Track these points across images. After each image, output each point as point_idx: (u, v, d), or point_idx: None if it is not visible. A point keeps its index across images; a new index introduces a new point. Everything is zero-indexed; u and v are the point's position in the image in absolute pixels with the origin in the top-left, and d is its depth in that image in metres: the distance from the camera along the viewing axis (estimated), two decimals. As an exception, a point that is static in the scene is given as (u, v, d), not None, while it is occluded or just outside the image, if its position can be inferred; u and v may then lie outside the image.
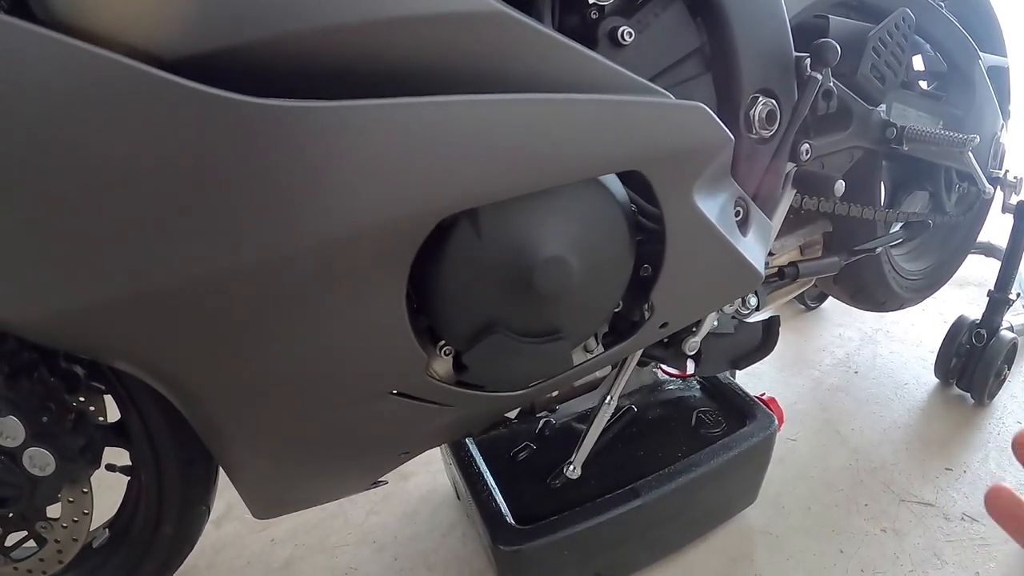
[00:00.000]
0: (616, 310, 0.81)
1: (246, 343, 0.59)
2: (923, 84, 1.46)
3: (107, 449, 0.87)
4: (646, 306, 0.78)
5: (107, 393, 0.87)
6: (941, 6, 1.22)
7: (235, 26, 0.49)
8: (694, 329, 0.93)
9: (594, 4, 0.73)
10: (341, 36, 0.51)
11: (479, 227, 0.63)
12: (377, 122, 0.52)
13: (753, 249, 0.83)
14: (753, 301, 0.98)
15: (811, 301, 1.92)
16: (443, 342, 0.71)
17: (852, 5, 1.10)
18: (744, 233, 0.82)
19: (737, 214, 0.82)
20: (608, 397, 0.97)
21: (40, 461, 0.77)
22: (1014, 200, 1.45)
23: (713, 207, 0.75)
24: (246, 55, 0.49)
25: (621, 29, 0.73)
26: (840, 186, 0.89)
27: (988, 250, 1.89)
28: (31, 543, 0.87)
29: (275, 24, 0.49)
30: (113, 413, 0.87)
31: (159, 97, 0.47)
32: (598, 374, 1.02)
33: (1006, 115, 1.45)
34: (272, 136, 0.50)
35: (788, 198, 0.94)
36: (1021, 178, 1.44)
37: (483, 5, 0.55)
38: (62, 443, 0.79)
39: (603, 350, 0.83)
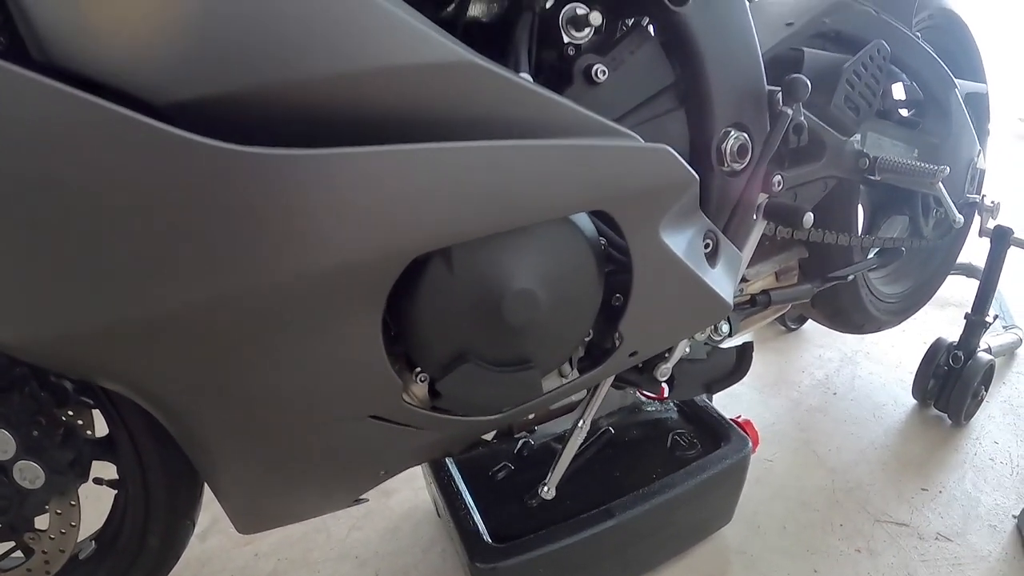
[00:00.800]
0: (588, 338, 0.83)
1: (231, 369, 0.62)
2: (904, 112, 1.48)
3: (95, 462, 0.89)
4: (616, 335, 0.80)
5: (95, 408, 0.88)
6: (917, 36, 1.24)
7: (220, 75, 0.51)
8: (666, 355, 0.95)
9: (569, 43, 0.75)
10: (319, 87, 0.53)
11: (451, 263, 0.65)
12: (354, 169, 0.55)
13: (721, 280, 0.85)
14: (725, 328, 1.01)
15: (791, 323, 1.94)
16: (419, 369, 0.74)
17: (829, 37, 1.12)
18: (713, 265, 0.84)
19: (707, 246, 0.84)
20: (581, 421, 0.99)
21: (30, 474, 0.78)
22: (991, 224, 1.48)
23: (680, 241, 0.78)
24: (229, 103, 0.52)
25: (595, 67, 0.75)
26: (808, 218, 0.91)
27: (969, 271, 1.91)
28: (18, 554, 0.89)
29: (254, 75, 0.52)
30: (101, 428, 0.89)
31: (146, 143, 0.49)
32: (574, 397, 1.04)
33: (984, 136, 1.47)
34: (255, 181, 0.52)
35: (759, 228, 0.96)
36: (998, 202, 1.46)
37: (453, 56, 0.58)
38: (51, 456, 0.80)
39: (578, 375, 0.85)
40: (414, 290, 0.66)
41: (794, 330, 1.95)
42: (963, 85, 1.37)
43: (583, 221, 0.73)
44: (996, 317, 1.62)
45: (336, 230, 0.56)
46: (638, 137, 0.70)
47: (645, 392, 1.25)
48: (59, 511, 0.85)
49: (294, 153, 0.52)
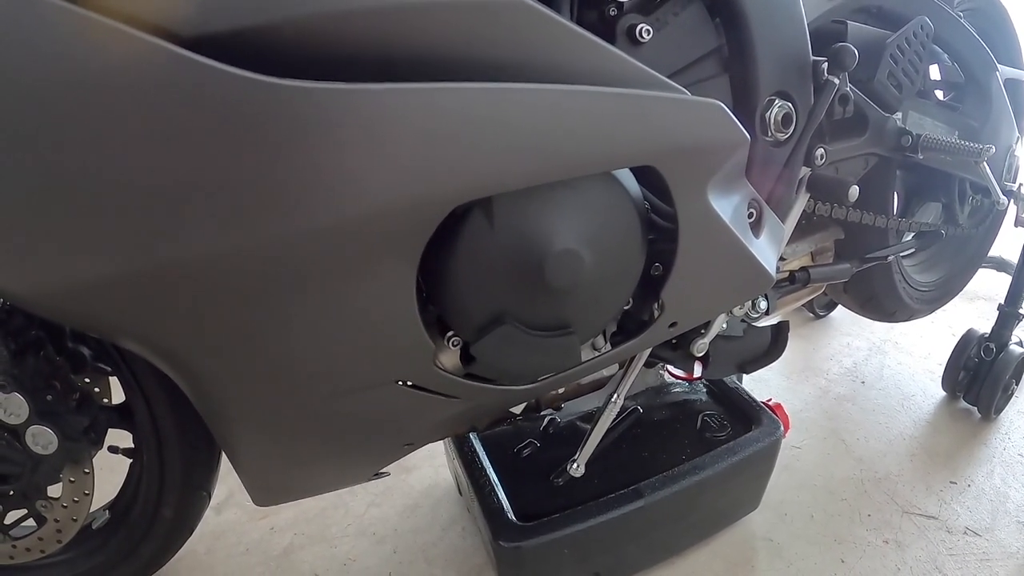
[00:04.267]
0: (626, 308, 0.81)
1: (254, 324, 0.59)
2: (939, 94, 1.45)
3: (110, 431, 0.88)
4: (656, 304, 0.78)
5: (113, 375, 0.87)
6: (960, 16, 1.21)
7: (257, 6, 0.48)
8: (703, 331, 0.93)
9: (613, 1, 0.72)
10: (363, 20, 0.51)
11: (492, 216, 0.62)
12: (396, 106, 0.52)
13: (765, 251, 0.82)
14: (763, 305, 0.98)
15: (820, 309, 1.92)
16: (451, 333, 0.71)
17: (871, 12, 1.10)
18: (756, 235, 0.81)
19: (750, 216, 0.81)
20: (614, 396, 0.96)
21: (43, 439, 0.77)
22: (1028, 213, 1.44)
23: (727, 207, 0.75)
24: (266, 36, 0.49)
25: (639, 27, 0.73)
26: (854, 191, 0.88)
27: (999, 264, 1.88)
28: (30, 522, 0.87)
29: (297, 6, 0.49)
30: (118, 395, 0.87)
31: (175, 74, 0.46)
32: (604, 373, 1.02)
33: (1022, 129, 1.44)
34: (289, 116, 0.49)
35: (801, 202, 0.93)
36: (1035, 192, 1.43)
37: (504, -7, 0.55)
38: (65, 422, 0.79)
39: (611, 348, 0.82)
40: (452, 245, 0.63)
41: (822, 317, 1.93)
42: (1003, 70, 1.34)
43: (629, 180, 0.70)
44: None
45: (376, 172, 0.53)
46: (688, 92, 0.67)
47: (675, 373, 1.23)
48: (72, 479, 0.84)
49: (332, 87, 0.50)
